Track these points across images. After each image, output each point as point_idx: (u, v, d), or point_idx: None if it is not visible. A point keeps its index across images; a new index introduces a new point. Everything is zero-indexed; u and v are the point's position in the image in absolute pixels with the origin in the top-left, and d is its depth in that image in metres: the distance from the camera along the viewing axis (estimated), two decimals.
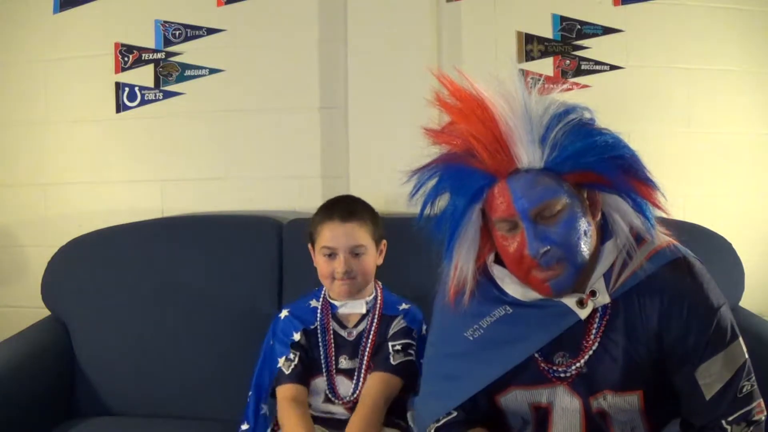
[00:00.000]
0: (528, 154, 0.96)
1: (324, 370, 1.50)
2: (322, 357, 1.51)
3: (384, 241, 1.59)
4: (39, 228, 2.07)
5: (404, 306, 1.57)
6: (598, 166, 0.96)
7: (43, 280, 1.84)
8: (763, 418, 1.00)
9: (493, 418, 1.12)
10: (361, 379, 1.49)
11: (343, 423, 1.41)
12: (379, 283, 1.60)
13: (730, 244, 1.75)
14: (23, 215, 2.09)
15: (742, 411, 0.99)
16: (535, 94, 0.98)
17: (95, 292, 1.80)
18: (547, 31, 1.97)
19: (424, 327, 1.54)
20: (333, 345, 1.52)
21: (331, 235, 1.49)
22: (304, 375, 1.48)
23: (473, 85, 0.99)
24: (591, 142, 0.95)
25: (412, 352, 1.50)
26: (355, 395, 1.48)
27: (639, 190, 0.98)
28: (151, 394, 1.75)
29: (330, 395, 1.49)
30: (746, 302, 1.76)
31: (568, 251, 0.97)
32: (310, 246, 1.57)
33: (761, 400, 1.01)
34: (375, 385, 1.45)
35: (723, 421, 0.98)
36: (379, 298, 1.57)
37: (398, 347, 1.49)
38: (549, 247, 0.96)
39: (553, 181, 0.97)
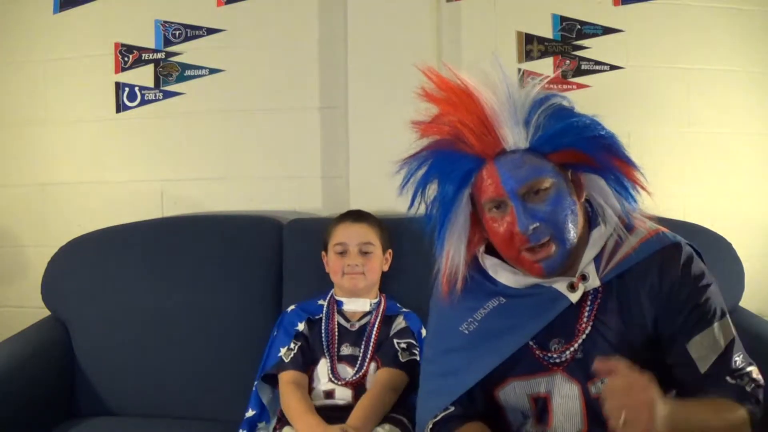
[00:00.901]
0: (513, 135, 1.01)
1: (327, 355, 1.58)
2: (324, 343, 1.59)
3: (390, 251, 1.72)
4: (39, 228, 2.08)
5: (404, 310, 1.68)
6: (580, 144, 1.01)
7: (43, 280, 1.84)
8: (762, 381, 1.01)
9: (492, 415, 1.13)
10: (365, 366, 1.56)
11: (344, 410, 1.47)
12: (384, 294, 1.71)
13: (730, 244, 1.75)
14: (23, 215, 2.09)
15: (740, 374, 1.00)
16: (517, 84, 1.03)
17: (95, 292, 1.80)
18: (547, 31, 1.97)
19: (423, 330, 1.61)
20: (336, 333, 1.61)
21: (343, 232, 1.66)
22: (303, 364, 1.57)
23: (458, 76, 1.03)
24: (571, 122, 1.01)
25: (416, 352, 1.57)
26: (356, 377, 1.55)
27: (620, 168, 1.02)
28: (151, 394, 1.75)
29: (331, 376, 1.56)
30: (746, 302, 1.76)
31: (557, 228, 1.01)
32: (323, 253, 1.70)
33: (756, 367, 1.02)
34: (384, 378, 1.53)
35: (728, 377, 0.99)
36: (382, 302, 1.68)
37: (404, 345, 1.57)
38: (538, 224, 1.00)
39: (538, 161, 1.02)
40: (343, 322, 1.64)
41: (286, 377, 1.55)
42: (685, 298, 1.02)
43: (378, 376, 1.54)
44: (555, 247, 1.01)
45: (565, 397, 1.06)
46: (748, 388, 0.99)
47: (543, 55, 1.97)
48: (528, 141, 1.01)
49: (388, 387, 1.51)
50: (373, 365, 1.58)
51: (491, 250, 1.11)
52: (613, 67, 1.96)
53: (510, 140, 1.01)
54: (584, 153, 1.01)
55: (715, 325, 1.01)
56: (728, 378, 0.99)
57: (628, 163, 1.02)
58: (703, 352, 1.00)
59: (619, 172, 1.02)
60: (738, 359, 1.01)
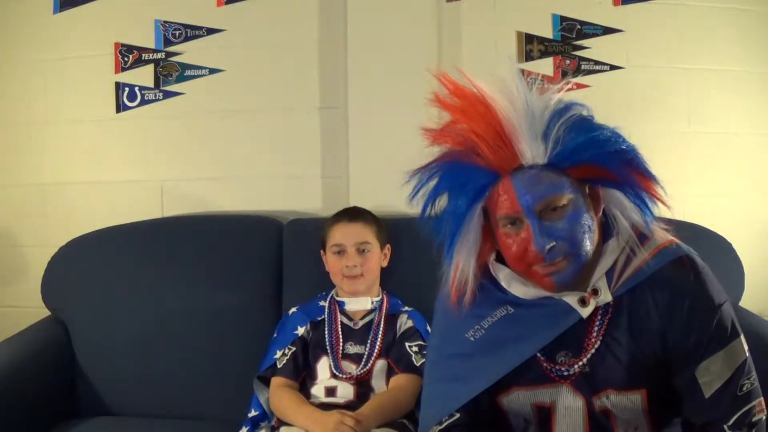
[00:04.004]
0: (531, 150, 0.96)
1: (330, 354, 1.58)
2: (327, 342, 1.60)
3: (388, 246, 1.72)
4: (39, 228, 2.07)
5: (407, 308, 1.68)
6: (601, 159, 0.96)
7: (43, 280, 1.84)
8: (764, 417, 1.00)
9: (496, 419, 1.12)
10: (370, 363, 1.57)
11: (344, 409, 1.47)
12: (386, 291, 1.71)
13: (730, 244, 1.75)
14: (23, 215, 2.09)
15: (742, 411, 0.98)
16: (534, 92, 0.98)
17: (95, 292, 1.80)
18: (547, 31, 1.97)
19: (428, 327, 1.61)
20: (340, 333, 1.62)
21: (340, 233, 1.66)
22: (295, 371, 1.58)
23: (473, 83, 0.99)
24: (593, 137, 0.96)
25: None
26: (361, 373, 1.56)
27: (641, 183, 0.98)
28: (151, 394, 1.75)
29: (336, 372, 1.56)
30: (746, 302, 1.76)
31: (574, 246, 0.97)
32: (322, 252, 1.71)
33: (761, 399, 1.00)
34: (402, 383, 1.54)
35: (725, 426, 0.98)
36: (385, 299, 1.69)
37: (416, 348, 1.58)
38: (555, 243, 0.96)
39: (556, 177, 0.97)
40: (346, 321, 1.64)
41: (277, 382, 1.57)
42: (696, 321, 0.98)
43: (396, 381, 1.55)
44: (568, 262, 0.98)
45: (569, 408, 1.05)
46: (752, 419, 0.98)
47: (543, 55, 1.97)
48: (546, 156, 0.96)
49: (408, 393, 1.51)
50: (379, 363, 1.58)
51: (501, 258, 1.08)
52: (613, 67, 1.96)
53: (528, 156, 0.96)
54: (605, 168, 0.96)
55: (726, 348, 0.98)
56: (725, 427, 0.98)
57: (649, 177, 0.98)
58: (709, 378, 0.98)
59: (640, 187, 0.98)
60: (747, 383, 0.99)
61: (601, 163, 0.96)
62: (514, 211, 0.97)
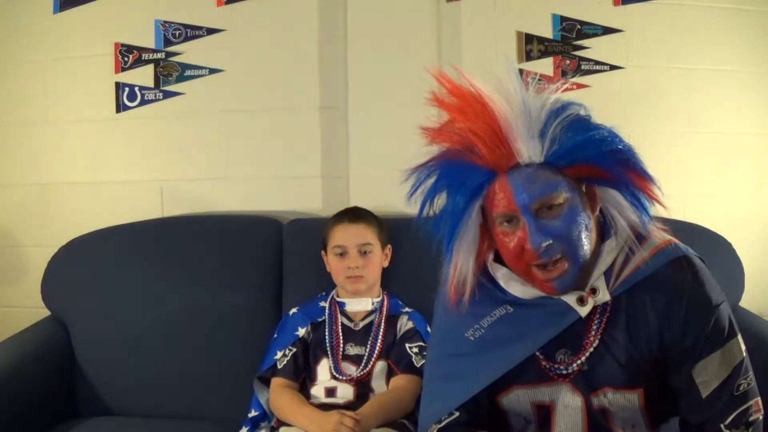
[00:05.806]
0: (528, 149, 0.97)
1: (330, 355, 1.59)
2: (327, 343, 1.60)
3: (389, 246, 1.72)
4: (39, 228, 2.07)
5: (407, 309, 1.68)
6: (597, 159, 0.97)
7: (43, 280, 1.84)
8: (761, 417, 1.00)
9: (496, 419, 1.12)
10: (370, 364, 1.57)
11: (344, 409, 1.47)
12: (386, 292, 1.71)
13: (730, 244, 1.75)
14: (23, 215, 2.09)
15: (739, 411, 0.99)
16: (532, 91, 0.99)
17: (95, 292, 1.80)
18: (547, 31, 1.97)
19: (429, 328, 1.60)
20: (340, 333, 1.62)
21: (341, 234, 1.66)
22: (295, 372, 1.58)
23: (471, 83, 0.99)
24: (589, 136, 0.97)
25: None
26: (361, 374, 1.56)
27: (637, 182, 0.99)
28: (151, 394, 1.75)
29: (336, 373, 1.56)
30: (746, 302, 1.76)
31: (570, 245, 0.98)
32: (323, 253, 1.71)
33: (758, 399, 1.01)
34: (402, 383, 1.54)
35: (722, 425, 0.98)
36: (385, 300, 1.69)
37: (416, 349, 1.58)
38: (551, 241, 0.97)
39: (553, 175, 0.97)
40: (346, 322, 1.64)
41: (277, 382, 1.57)
42: (694, 321, 0.99)
43: (396, 382, 1.56)
44: (567, 264, 0.98)
45: (568, 407, 1.05)
46: (749, 419, 0.98)
47: (543, 55, 1.97)
48: (543, 155, 0.97)
49: (409, 394, 1.51)
50: (379, 364, 1.59)
51: (500, 258, 1.08)
52: (613, 67, 1.96)
53: (524, 154, 0.97)
54: (601, 168, 0.97)
55: (723, 348, 0.99)
56: (722, 426, 0.98)
57: (645, 177, 0.99)
58: (706, 378, 0.99)
59: (635, 186, 0.99)
60: (743, 383, 0.99)
61: (598, 162, 0.97)
62: (511, 209, 0.98)
